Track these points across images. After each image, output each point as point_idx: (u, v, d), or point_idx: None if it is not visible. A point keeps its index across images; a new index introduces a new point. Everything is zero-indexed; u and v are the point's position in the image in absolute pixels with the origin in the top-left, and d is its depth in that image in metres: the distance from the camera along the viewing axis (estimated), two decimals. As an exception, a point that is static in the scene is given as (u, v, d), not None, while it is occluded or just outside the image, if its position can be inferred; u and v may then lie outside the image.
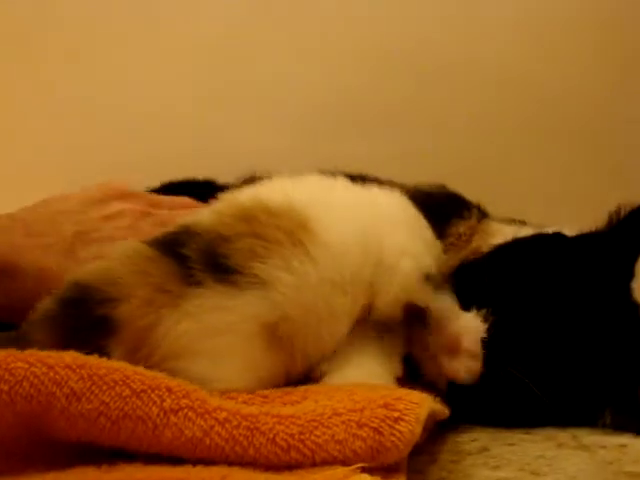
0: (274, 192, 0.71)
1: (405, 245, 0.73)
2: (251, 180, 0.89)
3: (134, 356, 0.61)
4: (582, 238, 0.78)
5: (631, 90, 1.37)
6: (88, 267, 0.64)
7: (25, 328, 0.61)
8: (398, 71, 1.39)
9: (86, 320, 0.60)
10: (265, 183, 0.76)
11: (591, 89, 1.38)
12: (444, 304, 0.71)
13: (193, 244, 0.63)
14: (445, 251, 0.80)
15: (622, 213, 0.75)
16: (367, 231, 0.71)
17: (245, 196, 0.72)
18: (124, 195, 0.87)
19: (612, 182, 1.33)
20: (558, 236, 0.79)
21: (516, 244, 0.79)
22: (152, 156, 1.31)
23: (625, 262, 0.76)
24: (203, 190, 1.08)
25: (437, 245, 0.80)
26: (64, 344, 0.57)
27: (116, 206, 0.85)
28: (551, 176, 1.38)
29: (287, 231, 0.66)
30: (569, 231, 0.80)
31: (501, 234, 0.83)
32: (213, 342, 0.62)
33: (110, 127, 1.40)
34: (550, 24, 1.38)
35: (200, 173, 1.14)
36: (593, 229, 0.78)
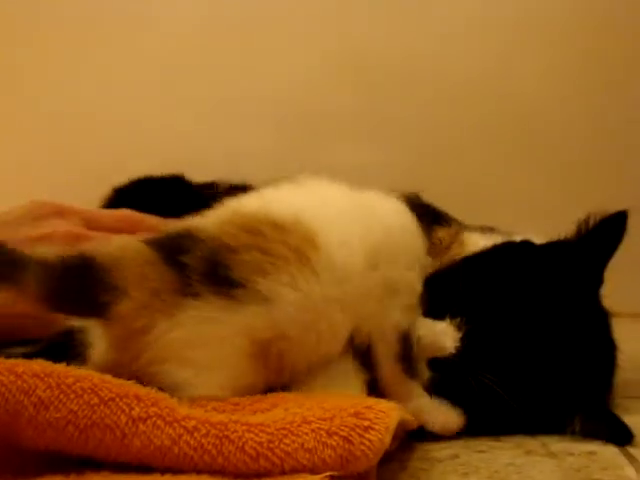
0: (279, 203, 0.70)
1: (404, 285, 0.72)
2: (242, 188, 0.88)
3: (122, 354, 0.61)
4: (551, 246, 0.79)
5: (611, 98, 1.39)
6: (98, 247, 0.63)
7: (19, 257, 0.59)
8: (381, 79, 1.40)
9: (84, 292, 0.59)
10: (269, 192, 0.74)
11: (571, 98, 1.40)
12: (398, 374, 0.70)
13: (197, 251, 0.62)
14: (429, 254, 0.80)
15: (591, 222, 0.76)
16: (373, 249, 0.70)
17: (250, 206, 0.70)
18: (61, 212, 0.85)
19: (586, 189, 1.34)
20: (526, 244, 0.80)
21: (485, 253, 0.79)
22: (132, 159, 1.31)
23: (594, 270, 0.77)
24: (171, 187, 1.08)
25: (424, 254, 0.79)
26: (52, 300, 0.58)
27: (51, 223, 0.83)
28: (526, 184, 1.39)
29: (294, 247, 0.64)
30: (537, 239, 0.80)
31: (476, 245, 0.84)
32: (201, 352, 0.61)
33: (88, 131, 1.40)
34: (528, 31, 1.40)
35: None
36: (562, 237, 0.79)
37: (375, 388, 0.70)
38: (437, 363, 0.71)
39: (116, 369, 0.58)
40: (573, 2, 1.39)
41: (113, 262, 0.60)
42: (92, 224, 0.86)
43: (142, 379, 0.58)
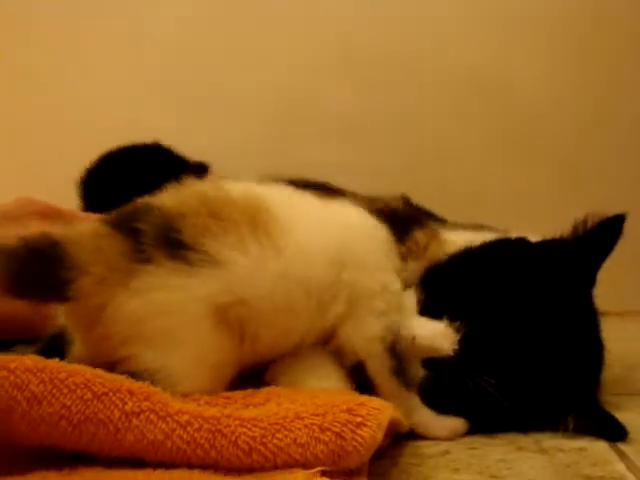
0: (240, 186, 0.71)
1: (377, 288, 0.72)
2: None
3: (89, 334, 0.61)
4: (547, 244, 0.79)
5: (611, 95, 1.39)
6: (58, 229, 0.63)
7: None
8: (371, 77, 1.40)
9: (46, 274, 0.59)
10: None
11: (571, 95, 1.40)
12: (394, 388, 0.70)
13: (149, 217, 0.63)
14: (404, 257, 0.81)
15: (589, 223, 0.77)
16: (338, 253, 0.71)
17: (209, 184, 0.71)
18: (45, 213, 0.85)
19: (585, 187, 1.35)
20: (522, 242, 0.80)
21: (481, 250, 0.79)
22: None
23: (588, 270, 0.77)
24: (149, 156, 1.08)
25: (395, 258, 0.79)
26: (16, 285, 0.58)
27: (29, 225, 0.82)
28: (525, 181, 1.40)
29: (247, 214, 0.66)
30: (533, 237, 0.81)
31: (455, 244, 0.84)
32: (162, 323, 0.61)
33: (84, 129, 1.40)
34: (528, 27, 1.40)
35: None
36: (558, 236, 0.79)
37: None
38: (433, 363, 0.71)
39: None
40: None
41: (71, 241, 0.61)
42: None
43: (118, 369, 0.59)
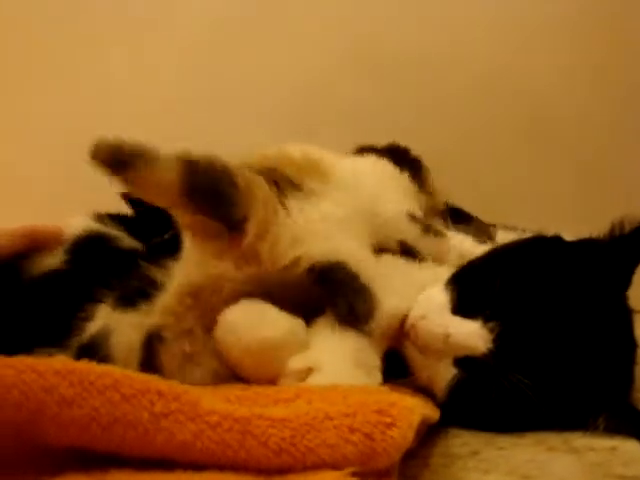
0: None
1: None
2: None
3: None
4: (584, 244, 0.79)
5: (628, 95, 1.39)
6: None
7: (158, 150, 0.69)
8: (391, 80, 1.41)
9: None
10: None
11: (588, 95, 1.40)
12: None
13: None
14: None
15: (626, 224, 0.76)
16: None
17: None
18: None
19: (602, 187, 1.34)
20: (558, 240, 0.80)
21: (516, 248, 0.79)
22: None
23: (625, 270, 0.76)
24: None
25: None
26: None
27: None
28: (541, 181, 1.39)
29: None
30: (567, 236, 0.80)
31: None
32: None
33: (92, 130, 1.40)
34: (544, 27, 1.40)
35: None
36: (594, 236, 0.78)
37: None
38: (465, 362, 0.70)
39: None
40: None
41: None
42: None
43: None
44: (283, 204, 0.76)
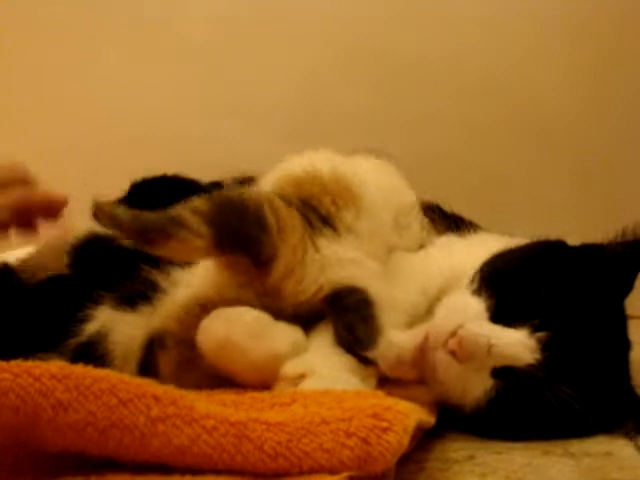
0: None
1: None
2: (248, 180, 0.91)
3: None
4: (597, 249, 0.78)
5: (635, 97, 1.39)
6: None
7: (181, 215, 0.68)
8: (381, 72, 1.41)
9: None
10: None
11: (593, 98, 1.40)
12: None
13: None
14: None
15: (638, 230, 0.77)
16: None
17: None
18: (25, 180, 0.84)
19: (608, 190, 1.34)
20: (600, 248, 0.79)
21: (544, 252, 0.79)
22: (137, 161, 1.31)
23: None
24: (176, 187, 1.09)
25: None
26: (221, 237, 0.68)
27: (17, 193, 0.81)
28: (547, 184, 1.39)
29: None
30: (571, 240, 0.80)
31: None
32: None
33: (97, 131, 1.41)
34: (548, 29, 1.40)
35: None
36: (605, 241, 0.78)
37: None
38: (505, 373, 0.68)
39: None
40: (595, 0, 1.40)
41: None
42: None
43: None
44: (314, 243, 0.75)
